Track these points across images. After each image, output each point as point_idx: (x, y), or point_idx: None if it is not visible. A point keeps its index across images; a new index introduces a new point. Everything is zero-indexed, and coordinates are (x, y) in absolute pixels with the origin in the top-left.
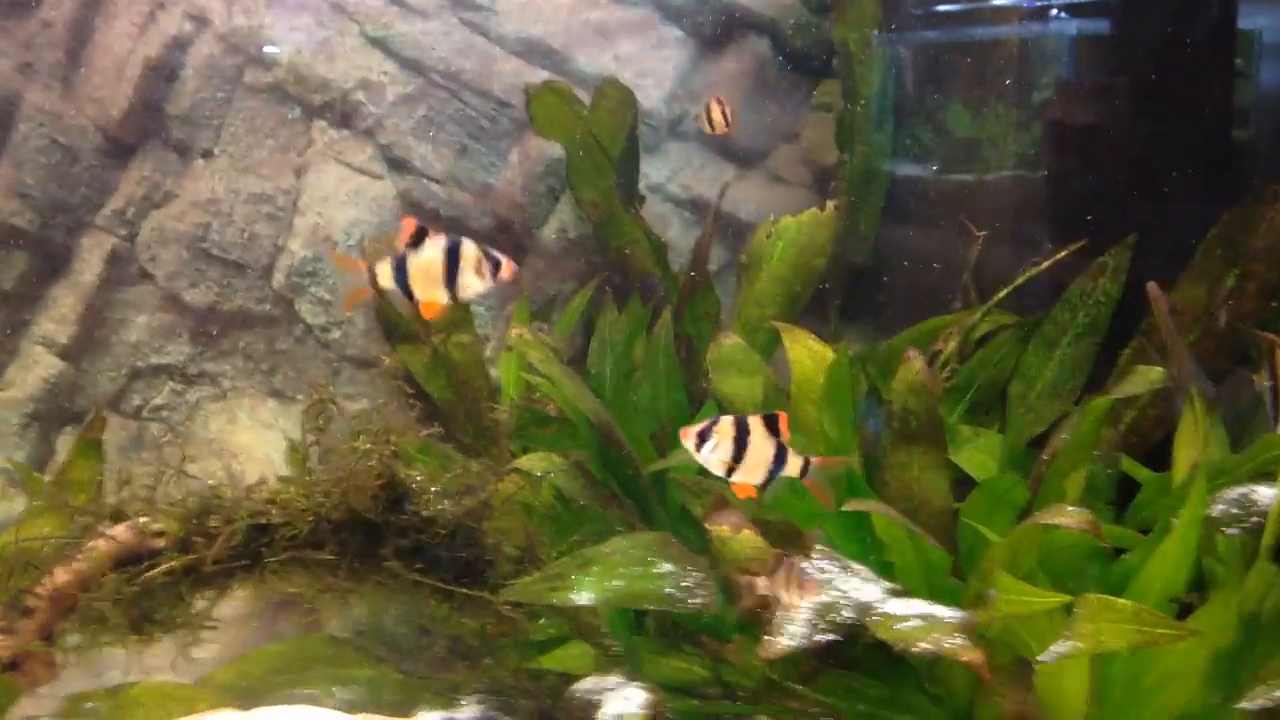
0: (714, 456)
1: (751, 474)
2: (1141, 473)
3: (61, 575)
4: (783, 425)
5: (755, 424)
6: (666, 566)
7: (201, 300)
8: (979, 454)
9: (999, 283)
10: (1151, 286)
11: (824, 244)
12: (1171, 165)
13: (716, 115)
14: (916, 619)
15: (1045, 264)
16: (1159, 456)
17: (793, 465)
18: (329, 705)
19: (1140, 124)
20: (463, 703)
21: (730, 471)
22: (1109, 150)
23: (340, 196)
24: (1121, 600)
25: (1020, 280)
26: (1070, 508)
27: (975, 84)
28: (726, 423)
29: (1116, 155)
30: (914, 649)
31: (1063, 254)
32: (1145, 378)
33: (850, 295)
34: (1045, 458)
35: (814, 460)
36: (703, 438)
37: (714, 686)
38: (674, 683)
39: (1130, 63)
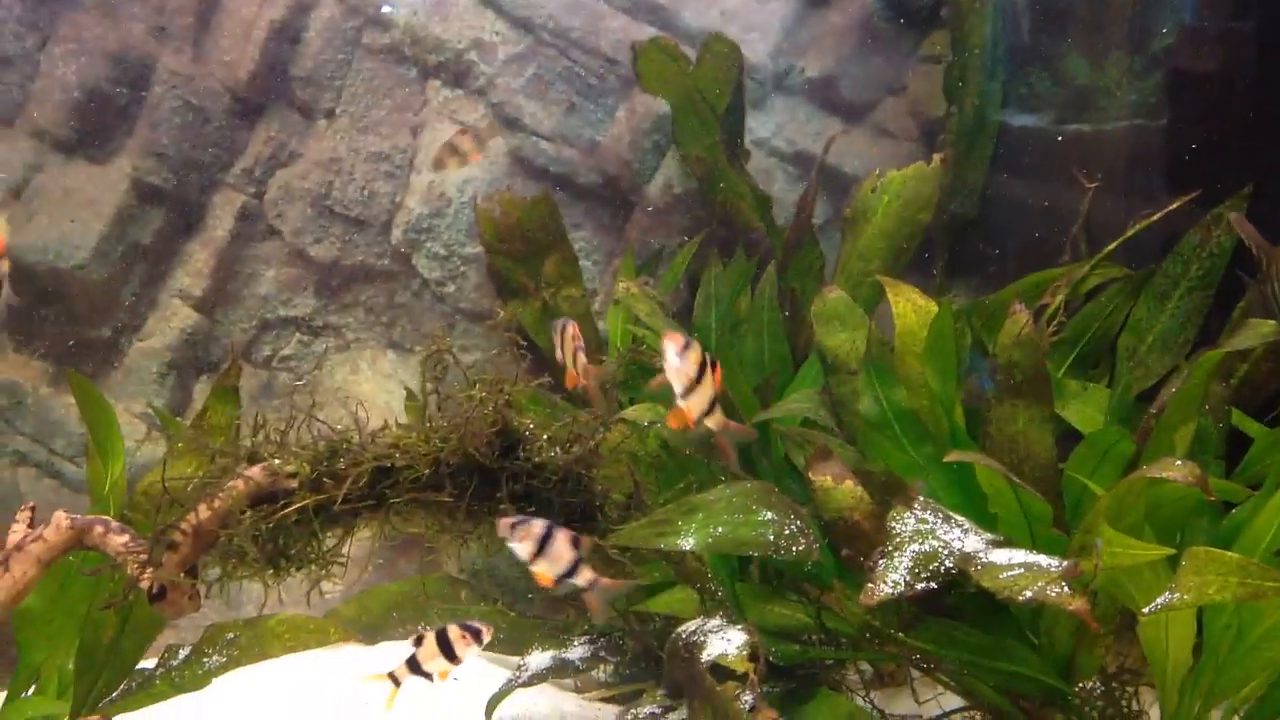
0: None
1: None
2: (1253, 427)
3: (203, 512)
4: (584, 544)
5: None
6: (769, 514)
7: (325, 255)
8: (1086, 408)
9: (1110, 235)
10: (1235, 217)
11: (930, 197)
12: None
13: (465, 145)
14: (1020, 568)
15: (1157, 216)
16: (1271, 411)
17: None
18: None
19: (1263, 72)
20: (573, 643)
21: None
22: (1230, 99)
23: None
24: (1228, 553)
25: (1132, 232)
26: (1178, 461)
27: (1093, 30)
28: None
29: (1237, 104)
30: (1018, 597)
31: (1176, 205)
32: (1258, 331)
33: (957, 249)
34: (1153, 412)
35: (604, 581)
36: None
37: (815, 632)
38: (776, 628)
39: (1255, 8)
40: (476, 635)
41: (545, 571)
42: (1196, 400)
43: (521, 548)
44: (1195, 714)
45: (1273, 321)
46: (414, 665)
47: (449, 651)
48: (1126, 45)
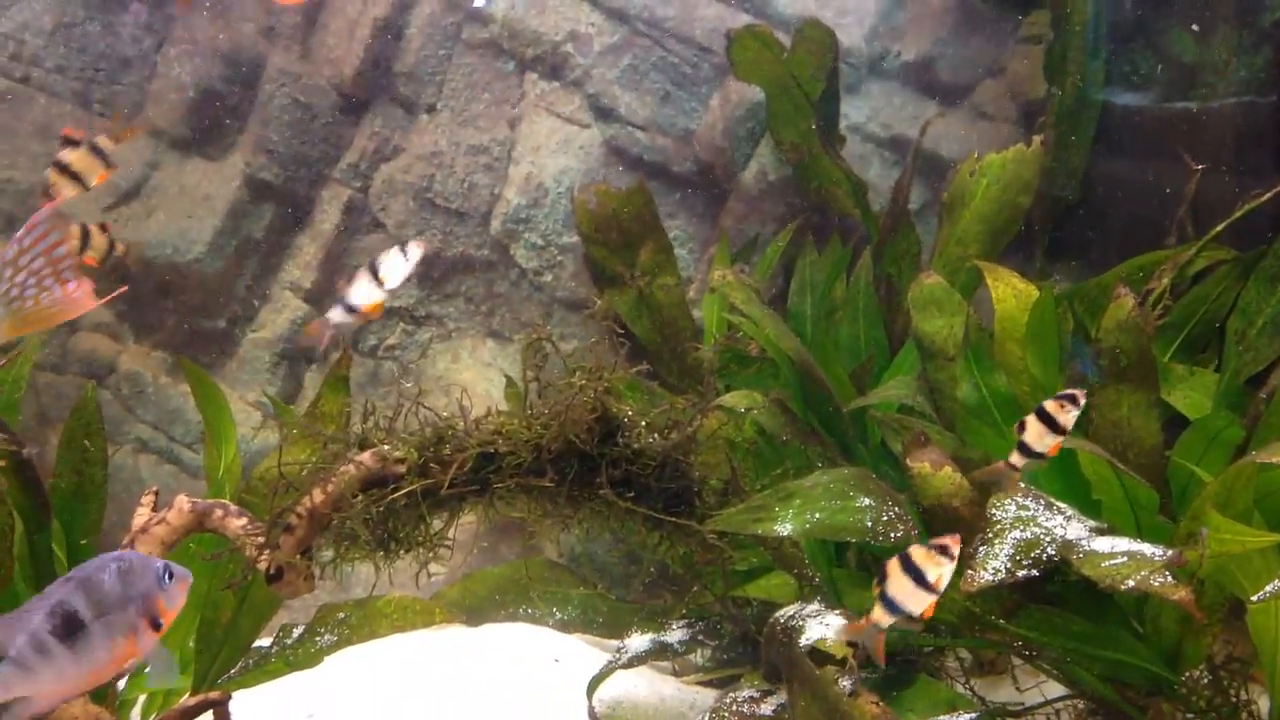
0: None
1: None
2: None
3: (317, 496)
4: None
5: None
6: (866, 501)
7: (428, 247)
8: (1193, 393)
9: (1218, 216)
10: None
11: (1030, 180)
12: None
13: (83, 164)
14: (1123, 556)
15: (1267, 195)
16: None
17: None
18: (547, 625)
19: None
20: (671, 626)
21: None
22: None
23: (551, 146)
24: None
25: (1241, 213)
26: None
27: (1198, 5)
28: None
29: None
30: (1121, 586)
31: None
32: None
33: (1058, 232)
34: (1263, 397)
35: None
36: None
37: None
38: None
39: None
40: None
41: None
42: None
43: None
44: None
45: None
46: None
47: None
48: (1234, 20)
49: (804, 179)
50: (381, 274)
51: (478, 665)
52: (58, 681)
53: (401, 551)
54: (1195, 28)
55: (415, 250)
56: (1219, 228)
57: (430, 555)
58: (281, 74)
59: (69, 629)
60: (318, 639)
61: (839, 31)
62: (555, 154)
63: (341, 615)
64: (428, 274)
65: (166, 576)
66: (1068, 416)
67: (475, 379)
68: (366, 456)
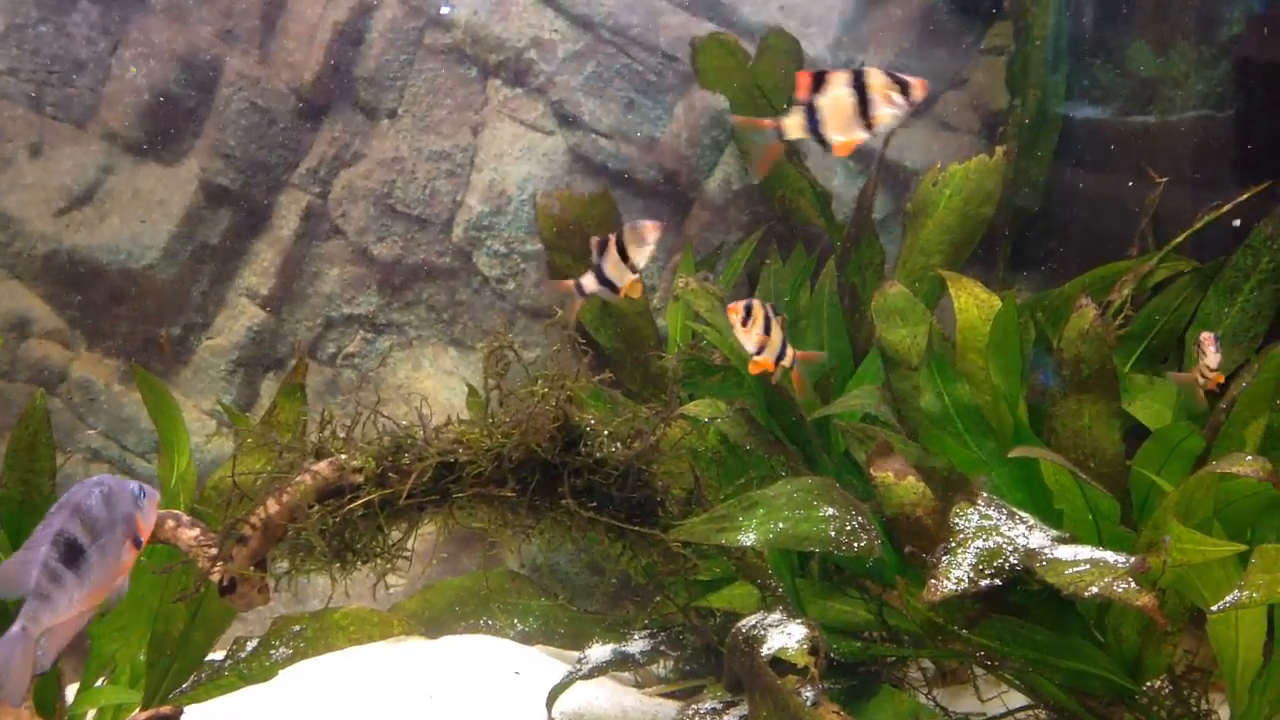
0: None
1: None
2: None
3: (272, 507)
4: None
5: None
6: (829, 510)
7: (388, 254)
8: (1153, 403)
9: (1177, 228)
10: None
11: (992, 191)
12: None
13: None
14: (1085, 564)
15: (1226, 208)
16: None
17: (790, 356)
18: (508, 636)
19: None
20: (633, 637)
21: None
22: None
23: (514, 153)
24: None
25: (1200, 224)
26: (1248, 456)
27: (1158, 20)
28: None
29: None
30: (1084, 593)
31: (1246, 196)
32: None
33: (1020, 243)
34: (1223, 407)
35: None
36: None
37: (876, 629)
38: (837, 624)
39: None
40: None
41: (765, 358)
42: (1268, 395)
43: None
44: (1266, 715)
45: None
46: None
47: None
48: (1193, 35)
49: (768, 188)
50: (632, 257)
51: (437, 678)
52: (69, 608)
53: (359, 563)
54: (1154, 43)
55: (653, 233)
56: (1179, 239)
57: (388, 566)
58: (239, 78)
59: (72, 555)
60: (272, 652)
61: (803, 41)
62: (518, 161)
63: (297, 628)
64: (388, 281)
65: (142, 496)
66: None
67: (437, 388)
68: (323, 466)
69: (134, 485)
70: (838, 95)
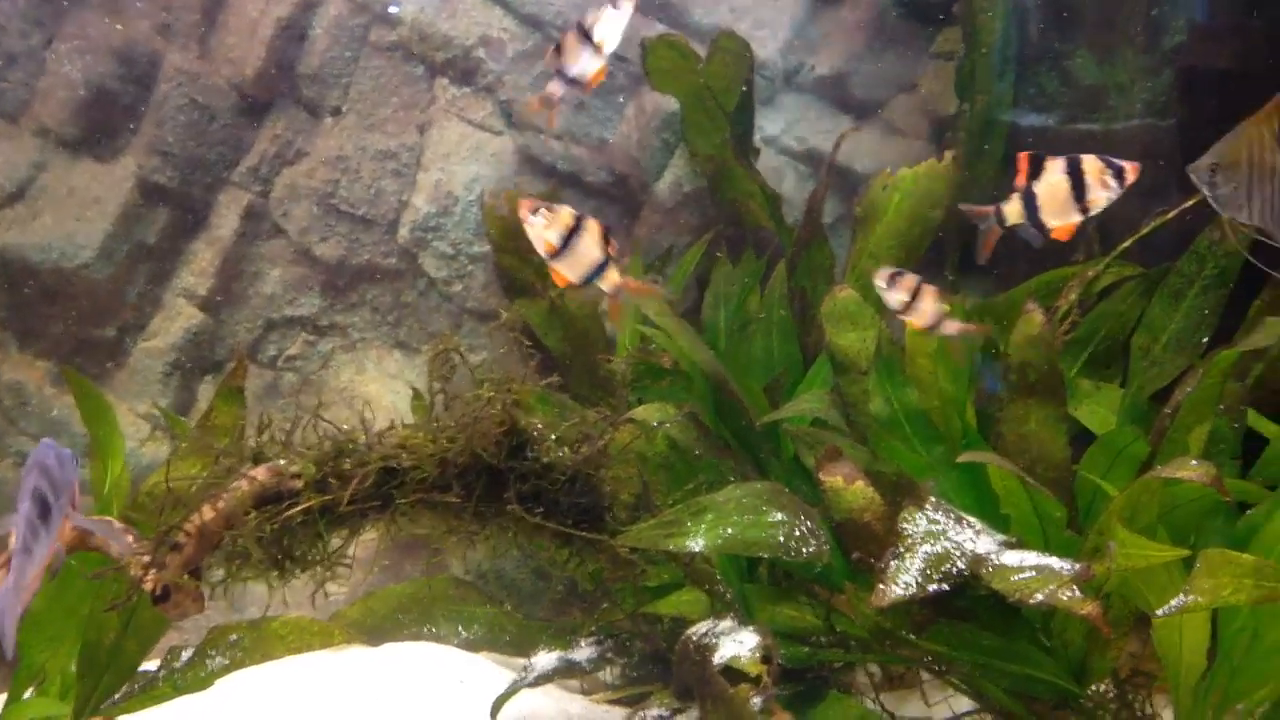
0: (544, 234)
1: (573, 269)
2: (1269, 427)
3: (207, 513)
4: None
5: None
6: (779, 515)
7: (331, 254)
8: (1099, 408)
9: (1124, 234)
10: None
11: (941, 195)
12: None
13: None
14: (1032, 570)
15: (1172, 213)
16: None
17: (609, 281)
18: (452, 644)
19: (1276, 68)
20: (579, 644)
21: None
22: (1243, 96)
23: (461, 152)
24: (1244, 555)
25: (1146, 230)
26: (1193, 461)
27: (1102, 29)
28: (566, 214)
29: (1251, 101)
30: (1030, 600)
31: (1190, 202)
32: (1275, 330)
33: (968, 248)
34: (1168, 412)
35: (632, 284)
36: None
37: (824, 634)
38: (785, 630)
39: (1266, 5)
40: None
41: (566, 272)
42: (1211, 400)
43: (544, 235)
44: (1209, 718)
45: None
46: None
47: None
48: (1136, 44)
49: (718, 191)
50: (596, 37)
51: (379, 687)
52: (39, 564)
53: (297, 571)
54: (1099, 51)
55: (626, 3)
56: (1125, 244)
57: (328, 574)
58: (178, 73)
59: (44, 513)
60: (208, 662)
61: (754, 44)
62: (466, 161)
63: (234, 637)
64: (331, 282)
65: (73, 462)
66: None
67: (381, 391)
68: (261, 471)
69: (68, 452)
70: (1054, 181)
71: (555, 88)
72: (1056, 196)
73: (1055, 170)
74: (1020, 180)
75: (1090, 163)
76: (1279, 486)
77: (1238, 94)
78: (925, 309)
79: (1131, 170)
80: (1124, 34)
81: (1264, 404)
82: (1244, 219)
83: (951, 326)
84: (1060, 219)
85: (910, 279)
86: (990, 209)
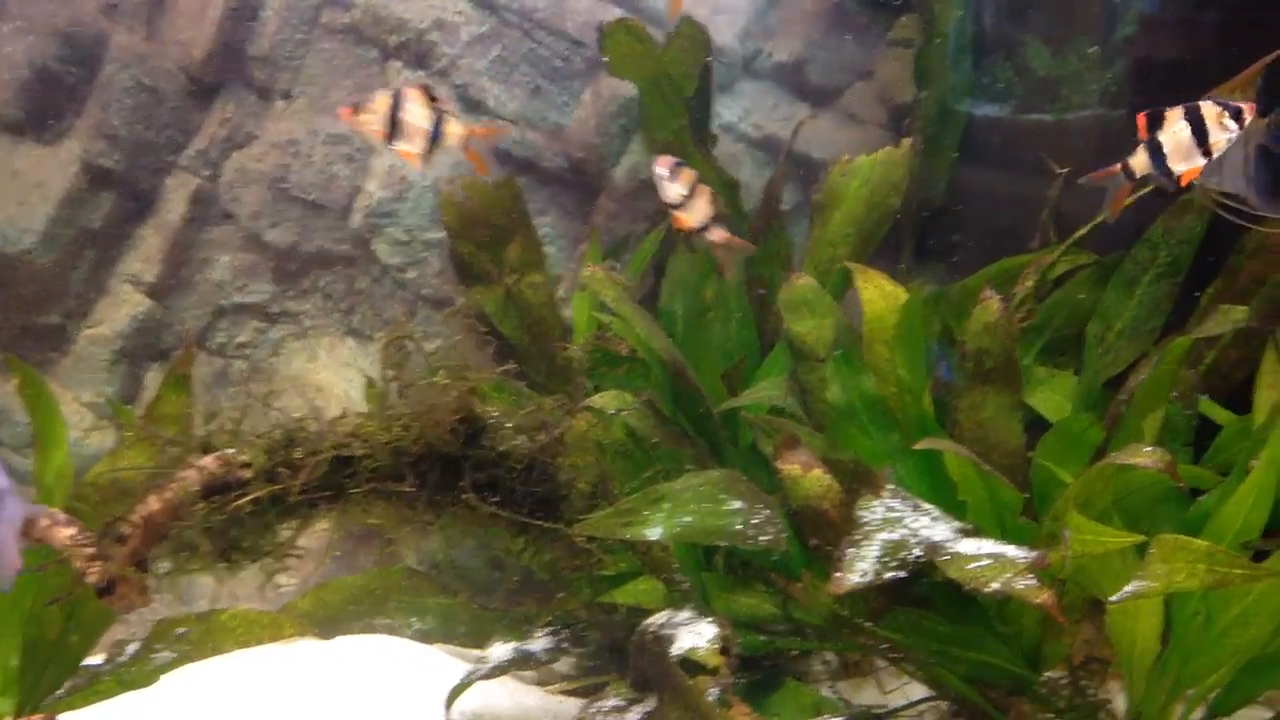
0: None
1: (414, 143)
2: (1221, 414)
3: (153, 503)
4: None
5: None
6: (736, 504)
7: (282, 240)
8: (1054, 395)
9: (1078, 223)
10: None
11: (899, 183)
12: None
13: None
14: (987, 558)
15: (1127, 201)
16: (1240, 398)
17: (453, 135)
18: (405, 636)
19: (1226, 60)
20: (535, 634)
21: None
22: (1194, 88)
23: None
24: (1197, 540)
25: (1100, 218)
26: (1146, 448)
27: (1056, 20)
28: (381, 96)
29: (1201, 92)
30: (985, 588)
31: (1145, 190)
32: (1227, 317)
33: (925, 235)
34: (1122, 399)
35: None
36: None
37: (782, 623)
38: (742, 618)
39: None
40: None
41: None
42: (1165, 387)
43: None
44: (1161, 703)
45: (1242, 307)
46: None
47: None
48: (1088, 36)
49: None
50: (1212, 139)
51: (330, 680)
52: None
53: (246, 562)
54: (1051, 42)
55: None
56: (1081, 231)
57: (278, 566)
58: (125, 54)
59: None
60: (154, 656)
61: (712, 30)
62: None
63: (181, 630)
64: (282, 268)
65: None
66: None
67: (333, 379)
68: (209, 461)
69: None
70: (1176, 129)
71: (1141, 162)
72: (1181, 143)
73: (1176, 119)
74: (1142, 133)
75: (1208, 108)
76: (1231, 472)
77: (1189, 84)
78: (699, 208)
79: (1249, 110)
80: (1076, 26)
81: (1215, 390)
82: (1214, 185)
83: (718, 234)
84: (1186, 163)
85: (690, 174)
86: (1116, 167)
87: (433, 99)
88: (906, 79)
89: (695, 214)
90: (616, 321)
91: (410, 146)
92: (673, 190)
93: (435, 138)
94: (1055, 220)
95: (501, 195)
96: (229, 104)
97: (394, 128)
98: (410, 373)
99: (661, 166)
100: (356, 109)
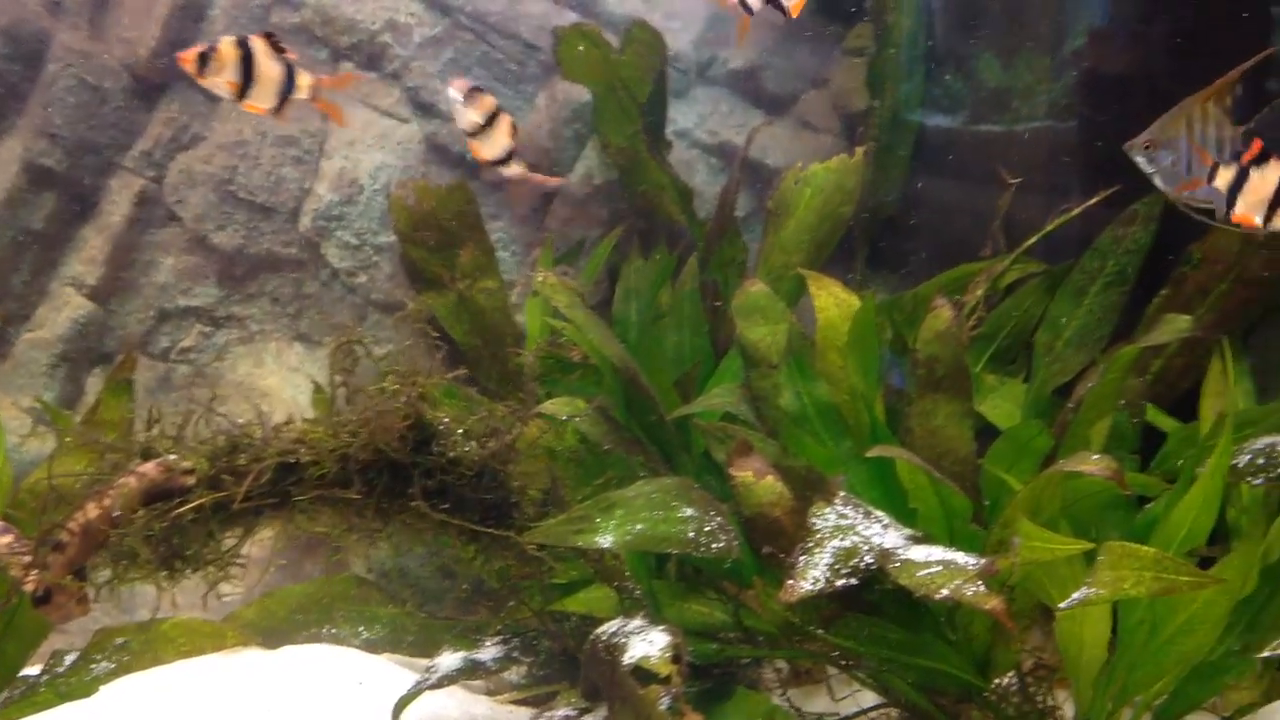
0: (219, 79)
1: (265, 98)
2: (1167, 422)
3: (92, 511)
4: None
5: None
6: (688, 511)
7: (228, 243)
8: (1003, 402)
9: (1028, 233)
10: None
11: (852, 191)
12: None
13: None
14: (938, 565)
15: (1075, 211)
16: (1186, 406)
17: (304, 87)
18: (352, 645)
19: (1174, 73)
20: (485, 643)
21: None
22: (1142, 99)
23: (367, 140)
24: (1144, 547)
25: (1050, 228)
26: (1094, 455)
27: (1007, 32)
28: (226, 44)
29: (1149, 104)
30: (935, 595)
31: (1093, 201)
32: (1173, 326)
33: (877, 243)
34: (1070, 406)
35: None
36: (203, 60)
37: (733, 630)
38: (694, 626)
39: (1164, 10)
40: None
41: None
42: (1112, 395)
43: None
44: (1109, 710)
45: (1187, 317)
46: None
47: None
48: (1038, 48)
49: (630, 183)
50: None
51: (275, 691)
52: None
53: (188, 571)
54: (1001, 54)
55: None
56: (1031, 240)
57: (221, 574)
58: (68, 52)
59: None
60: (93, 666)
61: (667, 35)
62: (371, 149)
63: (121, 640)
64: (229, 272)
65: None
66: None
67: (281, 385)
68: (150, 467)
69: None
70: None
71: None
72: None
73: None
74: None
75: None
76: (1177, 480)
77: (1137, 96)
78: (497, 140)
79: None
80: (1026, 38)
81: (1162, 399)
82: (1188, 195)
83: (515, 169)
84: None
85: (489, 101)
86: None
87: (279, 49)
88: (860, 88)
89: (492, 145)
90: (569, 328)
91: (262, 101)
92: (466, 116)
93: (287, 91)
94: (1005, 229)
95: (453, 199)
96: (175, 104)
97: (245, 81)
98: (359, 378)
99: (455, 90)
100: (200, 59)
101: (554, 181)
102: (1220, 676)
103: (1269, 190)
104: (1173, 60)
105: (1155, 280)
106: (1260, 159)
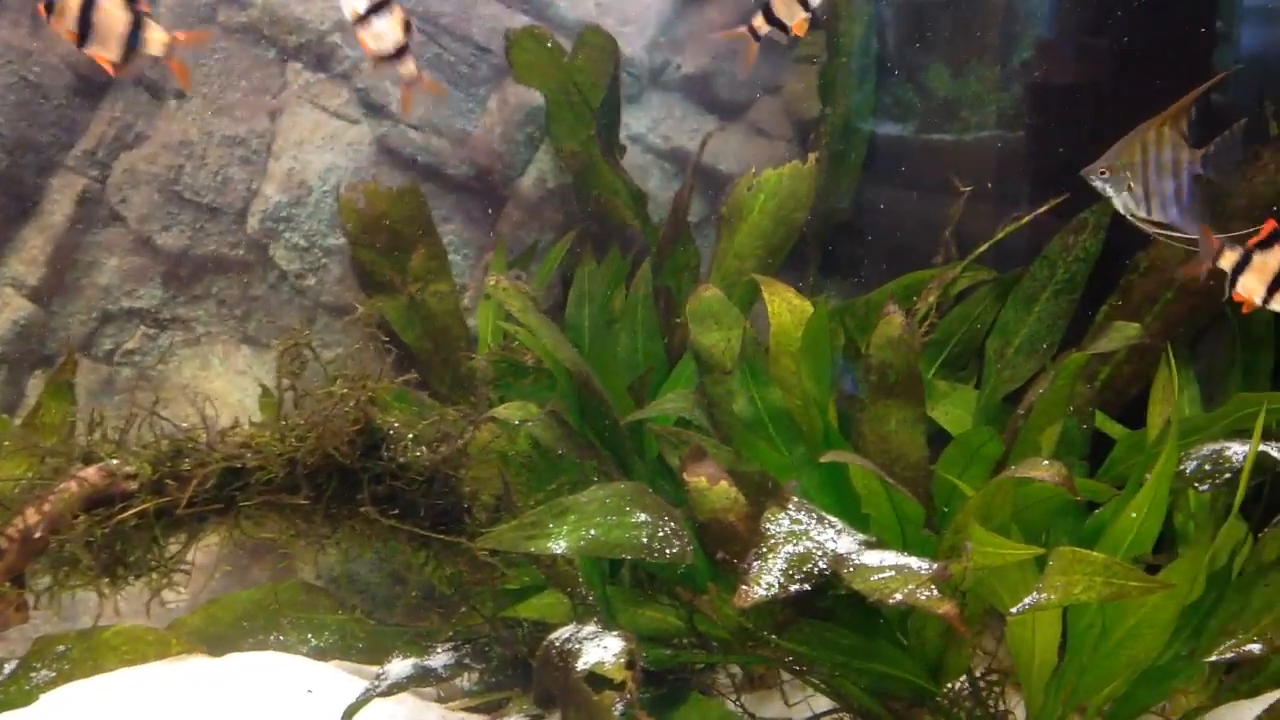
0: (59, 26)
1: (109, 48)
2: (1115, 429)
3: (31, 517)
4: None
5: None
6: (642, 516)
7: (174, 244)
8: (955, 409)
9: (979, 240)
10: None
11: (805, 197)
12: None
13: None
14: (891, 570)
15: (1026, 219)
16: (1134, 413)
17: (154, 42)
18: (300, 653)
19: (1120, 84)
20: (436, 650)
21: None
22: (1088, 110)
23: (316, 141)
24: (1093, 553)
25: (1001, 235)
26: (1045, 461)
27: (955, 43)
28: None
29: (1096, 115)
30: (889, 600)
31: (1044, 209)
32: (1121, 334)
33: (830, 250)
34: (1020, 413)
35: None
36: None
37: (687, 636)
38: (648, 632)
39: (1110, 23)
40: None
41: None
42: (1062, 402)
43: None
44: (1060, 713)
45: (1135, 324)
46: None
47: None
48: (989, 58)
49: (583, 187)
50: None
51: (220, 699)
52: None
53: (131, 578)
54: (951, 64)
55: None
56: (982, 248)
57: (165, 581)
58: (8, 49)
59: None
60: (33, 674)
61: (620, 40)
62: (320, 150)
63: (61, 648)
64: (174, 273)
65: None
66: None
67: (227, 388)
68: (91, 472)
69: None
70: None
71: (760, 23)
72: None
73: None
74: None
75: None
76: (1125, 486)
77: (1083, 107)
78: (388, 31)
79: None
80: (975, 49)
81: (1110, 406)
82: (1143, 214)
83: (408, 67)
84: None
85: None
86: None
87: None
88: (812, 95)
89: (382, 38)
90: (522, 332)
91: (105, 51)
92: (350, 5)
93: (134, 44)
94: (956, 237)
95: (404, 202)
96: (118, 103)
97: (86, 29)
98: (307, 382)
99: None
100: (47, 6)
101: (439, 88)
102: (1168, 681)
103: (1271, 274)
104: (1119, 72)
105: (1104, 288)
106: (1268, 242)
